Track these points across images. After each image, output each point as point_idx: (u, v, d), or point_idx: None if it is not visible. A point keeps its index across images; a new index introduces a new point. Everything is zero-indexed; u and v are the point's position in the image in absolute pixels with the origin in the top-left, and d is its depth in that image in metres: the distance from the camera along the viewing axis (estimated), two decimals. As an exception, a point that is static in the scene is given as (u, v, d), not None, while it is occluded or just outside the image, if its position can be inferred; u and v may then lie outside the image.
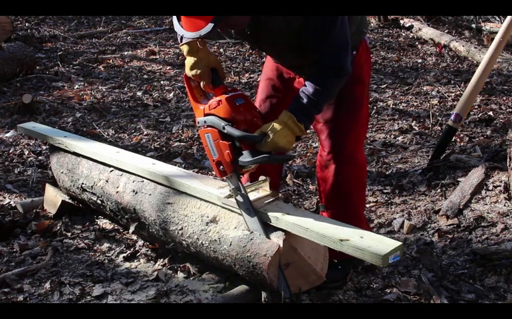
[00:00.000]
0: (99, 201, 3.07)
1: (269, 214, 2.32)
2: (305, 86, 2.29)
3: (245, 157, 2.25)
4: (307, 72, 2.41)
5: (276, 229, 2.31)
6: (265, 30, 2.30)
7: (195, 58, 2.38)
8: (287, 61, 2.57)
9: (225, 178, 2.40)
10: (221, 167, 2.33)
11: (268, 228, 2.33)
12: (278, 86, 2.68)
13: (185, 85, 2.50)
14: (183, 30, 2.19)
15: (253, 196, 2.41)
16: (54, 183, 3.41)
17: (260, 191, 2.47)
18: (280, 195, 2.48)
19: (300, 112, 2.26)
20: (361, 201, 2.73)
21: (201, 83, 2.41)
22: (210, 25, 2.10)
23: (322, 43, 2.23)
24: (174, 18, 2.28)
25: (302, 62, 2.43)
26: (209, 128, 2.33)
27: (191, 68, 2.39)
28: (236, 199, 2.38)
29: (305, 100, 2.26)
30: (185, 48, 2.40)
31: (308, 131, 2.51)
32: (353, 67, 2.42)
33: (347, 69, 2.29)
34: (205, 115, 2.34)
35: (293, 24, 2.23)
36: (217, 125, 2.29)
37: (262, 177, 2.50)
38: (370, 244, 2.06)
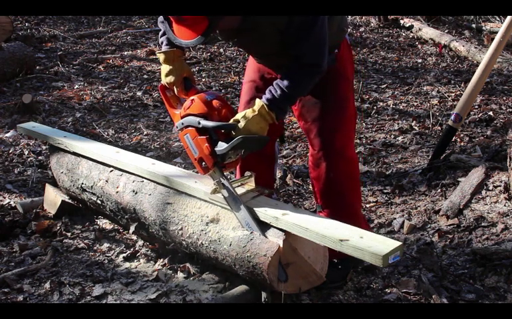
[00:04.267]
0: (99, 201, 3.07)
1: (269, 213, 2.33)
2: (281, 79, 2.36)
3: (221, 145, 2.32)
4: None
5: (272, 226, 2.32)
6: (251, 31, 2.36)
7: (171, 67, 2.55)
8: (270, 61, 2.62)
9: (208, 174, 2.45)
10: (203, 163, 2.40)
11: (263, 226, 2.34)
12: (261, 87, 2.69)
13: (161, 95, 2.65)
14: (177, 37, 2.28)
15: (238, 191, 2.45)
16: (54, 183, 3.41)
17: (245, 186, 2.52)
18: (266, 190, 2.52)
19: (271, 102, 2.35)
20: (356, 196, 2.74)
21: (175, 89, 2.56)
22: (200, 38, 2.20)
23: (303, 41, 2.30)
24: (166, 25, 2.37)
25: (284, 61, 2.47)
26: (187, 128, 2.41)
27: (166, 75, 2.56)
28: (221, 193, 2.42)
29: (279, 92, 2.35)
30: (161, 57, 2.56)
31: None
32: (336, 64, 2.54)
33: (323, 67, 2.38)
34: (182, 117, 2.45)
35: (278, 24, 2.30)
36: (193, 122, 2.38)
37: (248, 173, 2.55)
38: (370, 244, 2.06)
